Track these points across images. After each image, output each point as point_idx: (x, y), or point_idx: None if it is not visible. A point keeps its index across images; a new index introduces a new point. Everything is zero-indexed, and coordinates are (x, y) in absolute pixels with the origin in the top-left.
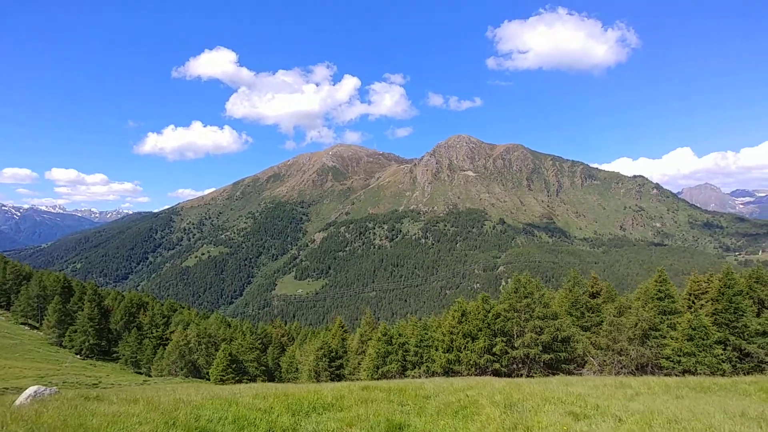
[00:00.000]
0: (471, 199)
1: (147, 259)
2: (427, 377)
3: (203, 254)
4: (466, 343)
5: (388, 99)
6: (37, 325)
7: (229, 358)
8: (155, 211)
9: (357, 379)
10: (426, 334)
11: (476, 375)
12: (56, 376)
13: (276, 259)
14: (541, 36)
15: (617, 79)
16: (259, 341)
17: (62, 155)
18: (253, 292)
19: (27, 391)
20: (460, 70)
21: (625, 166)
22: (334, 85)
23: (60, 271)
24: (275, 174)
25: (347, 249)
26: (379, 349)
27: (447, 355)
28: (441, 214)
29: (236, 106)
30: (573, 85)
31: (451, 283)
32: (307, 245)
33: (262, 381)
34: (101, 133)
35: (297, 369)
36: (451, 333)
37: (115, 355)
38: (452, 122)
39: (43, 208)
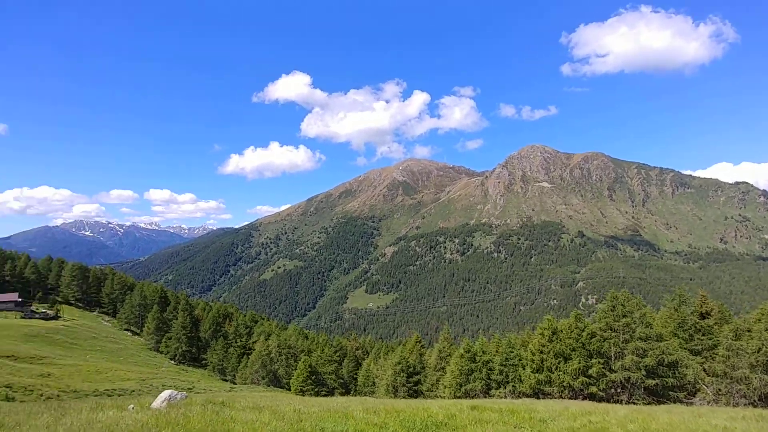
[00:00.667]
0: (546, 212)
1: (229, 271)
2: (514, 397)
3: (279, 268)
4: (558, 363)
5: (458, 112)
6: (138, 331)
7: (309, 369)
8: (236, 226)
9: (436, 396)
10: (512, 352)
11: (570, 398)
12: (155, 379)
13: (347, 273)
14: (622, 37)
15: (712, 76)
16: (336, 354)
17: (158, 177)
18: (325, 305)
19: (162, 395)
20: (532, 79)
21: (724, 172)
22: (403, 101)
23: (155, 282)
24: (347, 190)
25: (417, 263)
26: (462, 367)
27: (537, 375)
28: (514, 227)
29: (310, 126)
30: (660, 86)
31: (526, 299)
32: (378, 259)
33: (340, 394)
34: (191, 156)
35: (374, 383)
36: (541, 352)
37: (204, 361)
38: (525, 132)
39: (142, 225)
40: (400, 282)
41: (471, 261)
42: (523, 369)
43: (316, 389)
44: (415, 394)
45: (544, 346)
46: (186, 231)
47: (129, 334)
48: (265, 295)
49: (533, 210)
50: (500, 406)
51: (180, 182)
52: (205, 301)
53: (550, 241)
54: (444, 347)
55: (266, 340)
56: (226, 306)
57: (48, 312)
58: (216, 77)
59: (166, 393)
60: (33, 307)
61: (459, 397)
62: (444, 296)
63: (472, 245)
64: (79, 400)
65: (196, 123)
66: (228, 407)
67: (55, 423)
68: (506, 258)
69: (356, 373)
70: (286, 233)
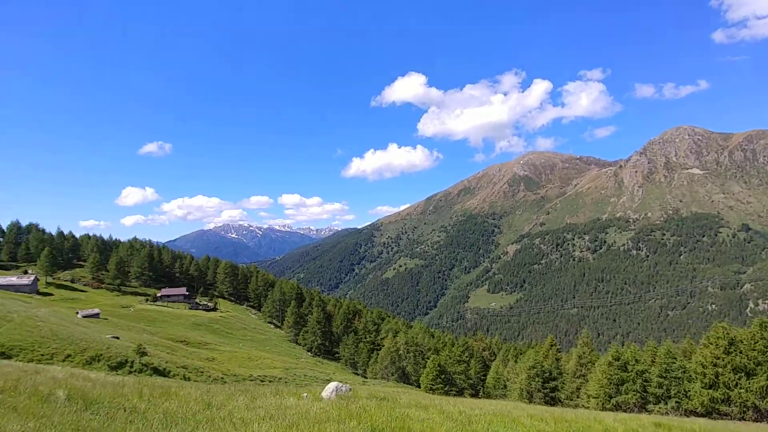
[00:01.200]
0: (698, 202)
1: (353, 270)
2: (679, 415)
3: (401, 266)
4: (738, 379)
5: (585, 98)
6: (279, 324)
7: (438, 368)
8: (359, 227)
9: (577, 406)
10: (673, 362)
11: (755, 420)
12: (297, 369)
13: (468, 272)
14: None
15: None
16: (464, 354)
17: (289, 183)
18: (446, 304)
19: (330, 386)
20: (675, 51)
21: None
22: (522, 92)
23: (290, 279)
24: (465, 187)
25: (543, 262)
26: (611, 376)
27: (710, 392)
28: (657, 221)
29: (427, 126)
30: None
31: (675, 302)
32: (500, 258)
33: (470, 395)
34: (317, 163)
35: (505, 386)
36: (715, 365)
37: (336, 354)
38: (667, 114)
39: (277, 227)
40: (524, 281)
41: (604, 259)
42: (690, 383)
43: (445, 388)
44: (552, 401)
45: (718, 359)
46: (314, 232)
47: (272, 326)
48: (388, 293)
49: (681, 201)
50: (692, 426)
51: (308, 186)
52: (335, 298)
53: (704, 236)
54: (584, 353)
55: (394, 337)
56: (354, 303)
57: (208, 304)
58: (338, 86)
59: (333, 385)
60: (197, 300)
61: (609, 410)
62: (574, 297)
63: (605, 242)
64: (238, 383)
65: (321, 131)
66: (393, 403)
67: (252, 404)
68: (648, 256)
69: (484, 375)
70: (406, 232)
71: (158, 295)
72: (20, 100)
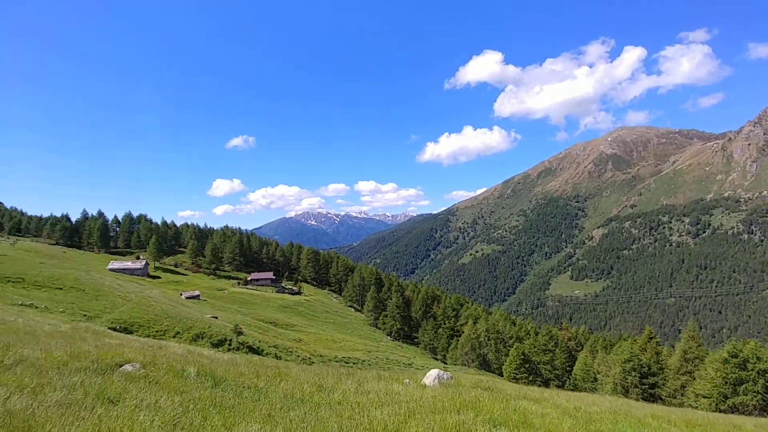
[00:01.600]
0: None
1: (429, 256)
2: None
3: (477, 252)
4: None
5: (686, 63)
6: (359, 308)
7: (522, 357)
8: (434, 212)
9: (682, 404)
10: None
11: None
12: (378, 352)
13: (549, 258)
14: None
15: None
16: (550, 343)
17: (365, 170)
18: (525, 291)
19: (431, 373)
20: None
21: None
22: (611, 62)
23: (367, 265)
24: (546, 169)
25: (633, 247)
26: (727, 374)
27: None
28: None
29: (503, 105)
30: None
31: None
32: (584, 243)
33: (556, 386)
34: (391, 149)
35: (595, 378)
36: None
37: (415, 339)
38: None
39: (354, 214)
40: (611, 268)
41: (708, 244)
42: None
43: (529, 378)
44: (651, 398)
45: None
46: (390, 218)
47: (352, 310)
48: (464, 278)
49: None
50: None
51: (383, 173)
52: (413, 284)
53: None
54: (690, 347)
55: (474, 323)
56: (433, 289)
57: (293, 288)
58: (411, 72)
59: (434, 372)
60: (283, 284)
61: (724, 411)
62: (671, 286)
63: (709, 225)
64: (324, 363)
65: (394, 118)
66: (502, 393)
67: (360, 388)
68: (762, 240)
69: (569, 366)
70: (482, 217)
71: (248, 279)
72: (146, 111)
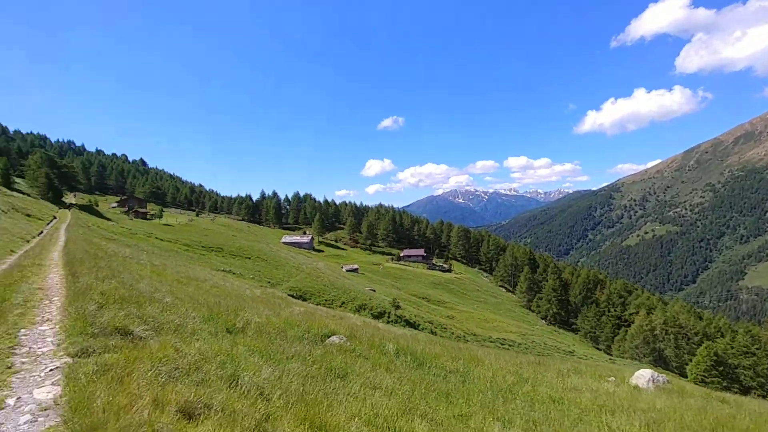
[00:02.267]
0: None
1: (586, 236)
2: None
3: (646, 233)
4: None
5: None
6: (511, 288)
7: (714, 358)
8: (594, 189)
9: None
10: None
11: None
12: (532, 335)
13: (746, 242)
14: None
15: None
16: (755, 345)
17: (515, 145)
18: (710, 280)
19: (643, 373)
20: None
21: None
22: None
23: (519, 244)
24: (746, 133)
25: None
26: None
27: None
28: None
29: (688, 60)
30: None
31: None
32: None
33: (759, 395)
34: (545, 121)
35: None
36: None
37: (574, 326)
38: None
39: (503, 191)
40: None
41: None
42: None
43: (723, 383)
44: None
45: None
46: (542, 195)
47: (503, 290)
48: (629, 262)
49: None
50: None
51: (535, 148)
52: (572, 266)
53: None
54: None
55: (648, 314)
56: (595, 272)
57: (444, 265)
58: (570, 29)
59: (647, 373)
60: (433, 261)
61: None
62: None
63: None
64: (479, 343)
65: (550, 85)
66: (747, 411)
67: (563, 384)
68: None
69: None
70: (655, 193)
71: (401, 255)
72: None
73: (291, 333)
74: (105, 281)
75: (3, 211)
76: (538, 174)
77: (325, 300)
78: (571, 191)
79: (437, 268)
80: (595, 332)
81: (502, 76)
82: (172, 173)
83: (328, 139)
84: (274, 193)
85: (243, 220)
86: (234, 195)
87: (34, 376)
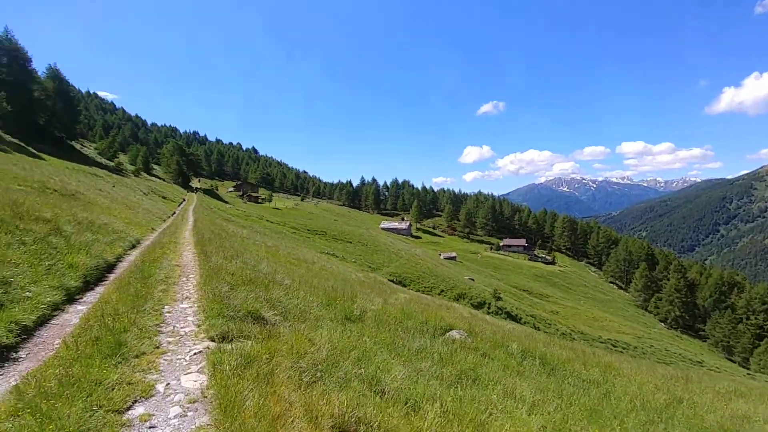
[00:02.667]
0: None
1: (718, 231)
2: None
3: None
4: None
5: None
6: (624, 286)
7: None
8: (729, 177)
9: None
10: None
11: None
12: (650, 339)
13: None
14: None
15: None
16: None
17: (630, 129)
18: None
19: None
20: None
21: None
22: None
23: (633, 237)
24: None
25: None
26: None
27: None
28: None
29: None
30: None
31: None
32: None
33: None
34: (667, 101)
35: None
36: None
37: (700, 332)
38: None
39: (614, 179)
40: None
41: None
42: None
43: None
44: None
45: None
46: (661, 184)
47: (614, 287)
48: None
49: None
50: None
51: (655, 132)
52: (701, 265)
53: None
54: None
55: None
56: (731, 273)
57: (546, 257)
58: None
59: None
60: (535, 252)
61: None
62: None
63: None
64: (586, 342)
65: (679, 59)
66: None
67: (732, 409)
68: None
69: None
70: None
71: (500, 244)
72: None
73: (409, 324)
74: (232, 261)
75: (144, 193)
76: (657, 161)
77: (424, 287)
78: (698, 180)
79: (539, 259)
80: (728, 341)
81: (618, 50)
82: (279, 160)
83: (426, 125)
84: (373, 180)
85: (344, 205)
86: (335, 181)
87: (179, 359)
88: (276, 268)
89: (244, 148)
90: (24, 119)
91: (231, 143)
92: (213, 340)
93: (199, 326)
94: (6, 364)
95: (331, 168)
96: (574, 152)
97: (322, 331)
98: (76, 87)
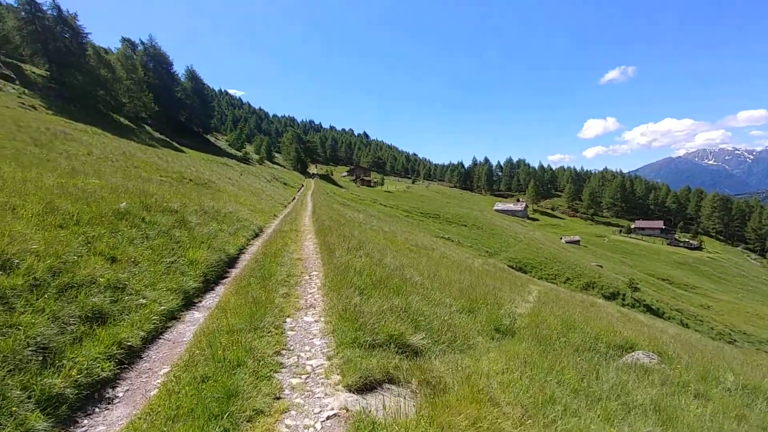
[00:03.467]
0: None
1: None
2: None
3: None
4: None
5: None
6: None
7: None
8: None
9: None
10: None
11: None
12: None
13: None
14: None
15: None
16: None
17: None
18: None
19: None
20: None
21: None
22: None
23: None
24: None
25: None
26: None
27: None
28: None
29: None
30: None
31: None
32: None
33: None
34: None
35: None
36: None
37: None
38: None
39: None
40: None
41: None
42: None
43: None
44: None
45: None
46: None
47: None
48: None
49: None
50: None
51: None
52: None
53: None
54: None
55: None
56: None
57: (691, 242)
58: None
59: None
60: (676, 235)
61: None
62: None
63: None
64: (751, 345)
65: None
66: None
67: None
68: None
69: None
70: None
71: (632, 227)
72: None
73: (574, 338)
74: (356, 255)
75: (267, 180)
76: None
77: (548, 274)
78: None
79: (682, 244)
80: None
81: None
82: (390, 144)
83: (540, 99)
84: (486, 160)
85: (455, 186)
86: (446, 163)
87: (308, 428)
88: (401, 260)
89: (356, 134)
90: (168, 117)
91: (343, 129)
92: (351, 390)
93: (329, 358)
94: (96, 410)
95: (441, 150)
96: (724, 118)
97: (484, 361)
98: (210, 86)
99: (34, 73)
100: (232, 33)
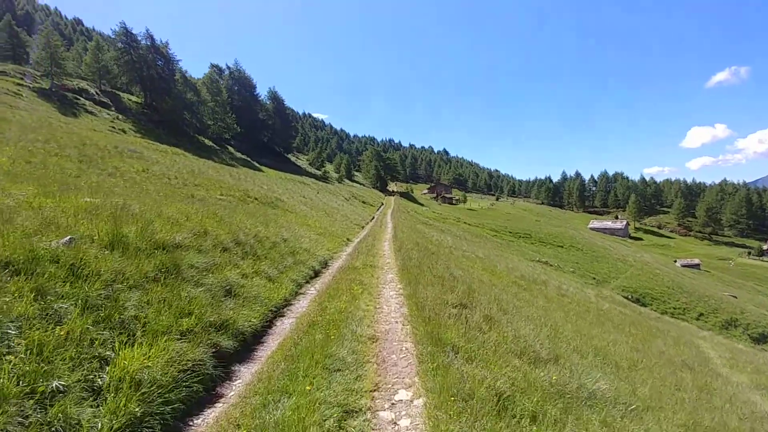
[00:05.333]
0: None
1: None
2: None
3: None
4: None
5: None
6: None
7: None
8: None
9: None
10: None
11: None
12: None
13: None
14: None
15: None
16: None
17: None
18: None
19: None
20: None
21: None
22: None
23: None
24: None
25: None
26: None
27: None
28: None
29: None
30: None
31: None
32: None
33: None
34: None
35: None
36: None
37: None
38: None
39: None
40: None
41: None
42: None
43: None
44: None
45: None
46: None
47: None
48: None
49: None
50: None
51: None
52: None
53: None
54: None
55: None
56: None
57: None
58: None
59: None
60: None
61: None
62: None
63: None
64: None
65: None
66: None
67: None
68: None
69: None
70: None
71: (764, 248)
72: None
73: None
74: (460, 316)
75: (345, 198)
76: None
77: (673, 308)
78: None
79: None
80: None
81: None
82: (470, 160)
83: (629, 110)
84: (577, 174)
85: (542, 203)
86: (531, 178)
87: None
88: (520, 307)
89: (436, 151)
90: (251, 137)
91: (423, 147)
92: None
93: None
94: None
95: (524, 165)
96: None
97: None
98: (293, 108)
99: (129, 100)
100: (317, 53)
